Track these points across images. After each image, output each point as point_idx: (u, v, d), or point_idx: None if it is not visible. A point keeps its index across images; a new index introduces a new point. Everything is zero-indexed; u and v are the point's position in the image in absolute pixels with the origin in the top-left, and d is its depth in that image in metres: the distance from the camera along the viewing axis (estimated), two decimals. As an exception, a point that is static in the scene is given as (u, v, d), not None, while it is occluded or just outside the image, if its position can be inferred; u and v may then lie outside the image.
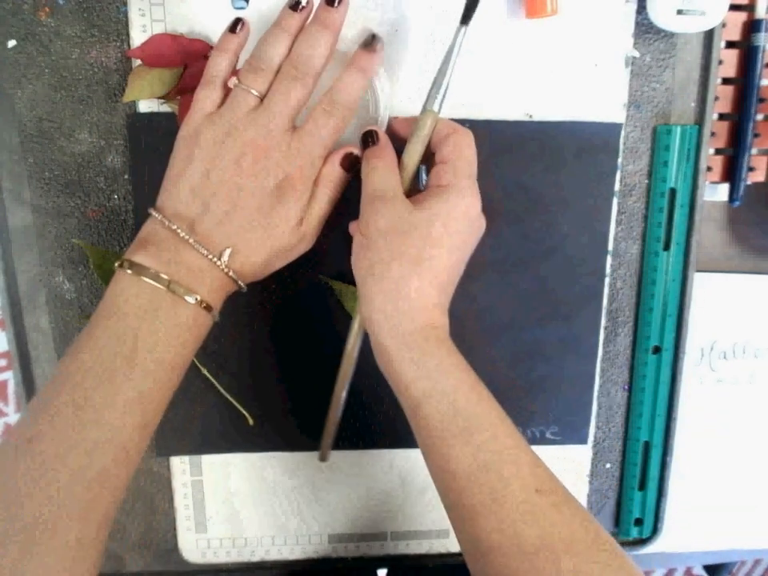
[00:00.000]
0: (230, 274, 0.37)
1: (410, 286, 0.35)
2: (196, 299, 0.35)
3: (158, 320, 0.34)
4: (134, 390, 0.34)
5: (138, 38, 0.41)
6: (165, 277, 0.35)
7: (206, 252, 0.36)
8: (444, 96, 0.38)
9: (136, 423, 0.34)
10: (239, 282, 0.38)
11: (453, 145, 0.37)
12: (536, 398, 0.49)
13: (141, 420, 0.34)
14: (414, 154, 0.38)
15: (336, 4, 0.37)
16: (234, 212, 0.37)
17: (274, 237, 0.38)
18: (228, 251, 0.37)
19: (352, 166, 0.40)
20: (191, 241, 0.36)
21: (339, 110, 0.37)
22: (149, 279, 0.35)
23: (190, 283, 0.35)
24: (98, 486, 0.33)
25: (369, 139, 0.39)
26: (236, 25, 0.38)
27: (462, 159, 0.37)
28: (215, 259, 0.36)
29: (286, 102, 0.37)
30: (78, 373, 0.33)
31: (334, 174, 0.39)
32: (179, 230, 0.36)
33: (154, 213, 0.37)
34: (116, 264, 0.36)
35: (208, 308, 0.36)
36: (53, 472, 0.31)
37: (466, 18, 0.38)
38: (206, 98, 0.38)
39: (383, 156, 0.38)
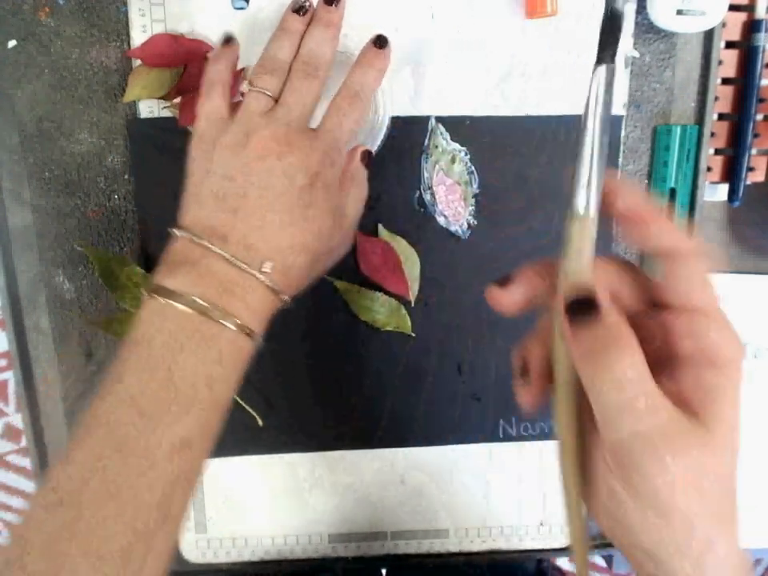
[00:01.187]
0: (274, 286, 0.34)
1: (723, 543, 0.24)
2: (235, 323, 0.32)
3: (194, 352, 0.31)
4: (173, 434, 0.30)
5: (138, 38, 0.41)
6: (198, 301, 0.31)
7: (244, 266, 0.32)
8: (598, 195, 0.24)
9: (175, 474, 0.30)
10: (282, 296, 0.35)
11: (716, 327, 0.23)
12: (536, 398, 0.49)
13: (180, 470, 0.30)
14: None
15: (335, 4, 0.38)
16: (267, 216, 0.34)
17: (312, 237, 0.35)
18: (269, 263, 0.33)
19: (371, 162, 0.40)
20: (226, 255, 0.32)
21: (358, 101, 0.37)
22: (180, 305, 0.31)
23: (228, 305, 0.32)
24: (140, 550, 0.29)
25: (579, 308, 0.23)
26: (228, 41, 0.39)
27: (732, 356, 0.24)
28: (255, 272, 0.33)
29: (302, 97, 0.36)
30: (111, 415, 0.30)
31: (359, 170, 0.39)
32: (210, 245, 0.32)
33: (178, 232, 0.34)
34: (144, 291, 0.33)
35: (249, 333, 0.33)
36: (93, 540, 0.28)
37: (603, 57, 0.23)
38: (211, 104, 0.37)
39: (625, 346, 0.22)
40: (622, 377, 0.21)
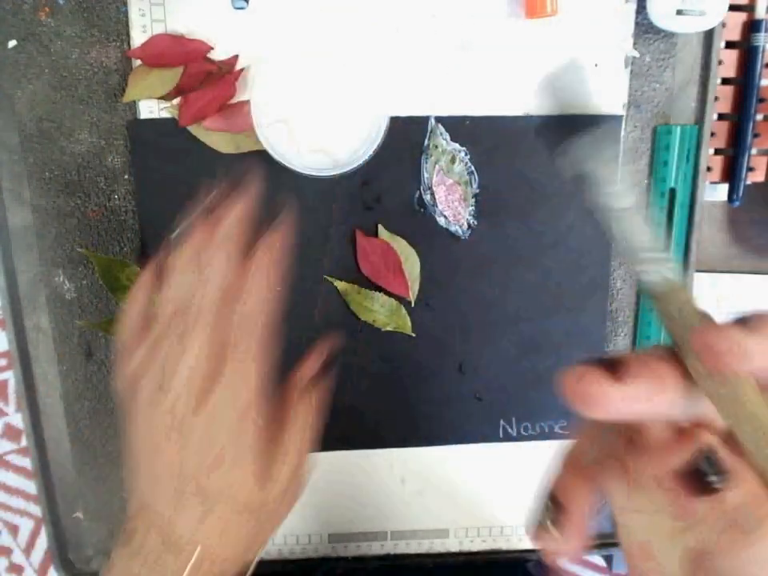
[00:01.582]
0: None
1: None
2: None
3: None
4: None
5: (138, 38, 0.41)
6: None
7: (173, 555, 0.30)
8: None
9: None
10: None
11: None
12: (543, 392, 0.49)
13: None
14: None
15: (226, 217, 0.31)
16: (180, 501, 0.30)
17: (234, 511, 0.31)
18: (197, 552, 0.30)
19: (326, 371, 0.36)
20: (150, 538, 0.30)
21: (244, 350, 0.31)
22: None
23: None
24: None
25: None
26: (152, 271, 0.34)
27: None
28: (181, 560, 0.30)
29: (182, 370, 0.30)
30: None
31: (305, 404, 0.34)
32: (138, 523, 0.31)
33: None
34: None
35: None
36: None
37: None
38: (127, 360, 0.32)
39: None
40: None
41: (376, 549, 0.52)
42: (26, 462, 1.30)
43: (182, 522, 0.30)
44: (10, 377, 1.27)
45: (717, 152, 0.46)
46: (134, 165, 0.43)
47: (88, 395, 0.47)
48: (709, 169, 0.46)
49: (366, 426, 0.49)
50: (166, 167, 0.43)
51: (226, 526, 0.31)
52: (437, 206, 0.45)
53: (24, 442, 1.30)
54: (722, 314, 0.50)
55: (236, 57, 0.41)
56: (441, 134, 0.44)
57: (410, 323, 0.47)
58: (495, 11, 0.42)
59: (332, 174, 0.40)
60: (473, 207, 0.45)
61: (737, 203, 0.46)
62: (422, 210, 0.45)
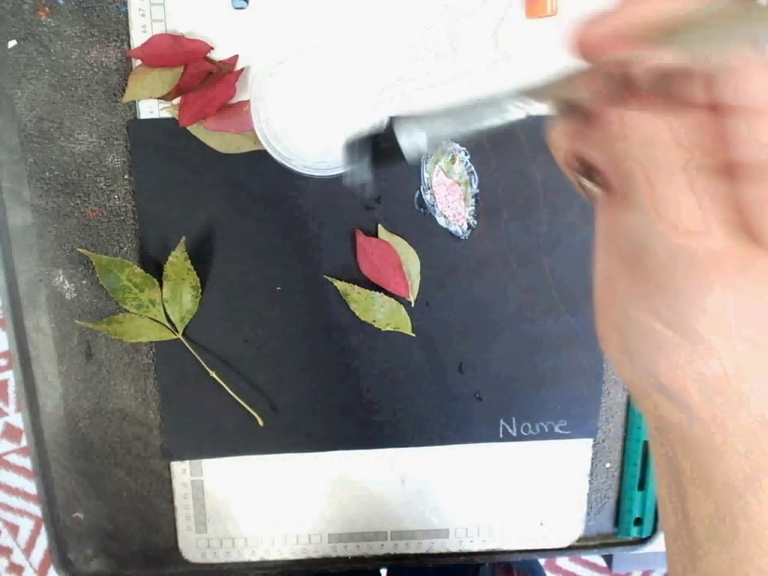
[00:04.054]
0: None
1: None
2: None
3: None
4: None
5: (138, 38, 0.41)
6: None
7: None
8: None
9: None
10: None
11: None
12: (543, 392, 0.49)
13: None
14: None
15: None
16: None
17: None
18: None
19: None
20: None
21: None
22: None
23: None
24: None
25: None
26: None
27: None
28: None
29: None
30: None
31: None
32: None
33: None
34: None
35: None
36: None
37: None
38: None
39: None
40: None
41: (376, 549, 0.52)
42: (26, 462, 1.30)
43: None
44: (10, 377, 1.27)
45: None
46: (134, 165, 0.43)
47: (88, 395, 0.47)
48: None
49: (366, 425, 0.49)
50: (166, 167, 0.43)
51: None
52: (437, 206, 0.45)
53: (24, 442, 1.30)
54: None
55: (236, 57, 0.41)
56: (441, 133, 0.44)
57: (409, 323, 0.47)
58: (495, 11, 0.42)
59: (332, 173, 0.40)
60: (473, 207, 0.45)
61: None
62: (422, 209, 0.45)
